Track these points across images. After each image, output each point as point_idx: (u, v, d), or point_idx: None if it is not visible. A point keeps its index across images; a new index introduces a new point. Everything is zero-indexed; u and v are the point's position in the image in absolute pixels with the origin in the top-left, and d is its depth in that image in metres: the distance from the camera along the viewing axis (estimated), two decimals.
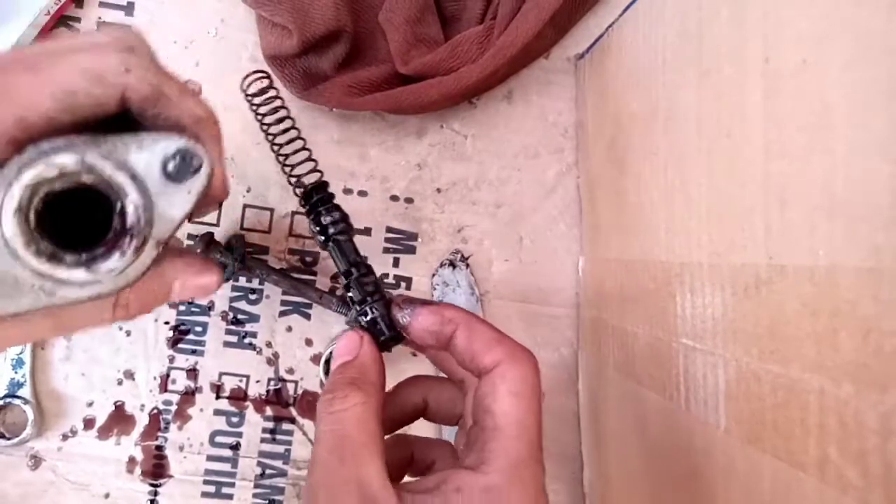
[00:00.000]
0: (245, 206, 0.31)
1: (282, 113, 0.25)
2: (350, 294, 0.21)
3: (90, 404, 0.30)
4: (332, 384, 0.18)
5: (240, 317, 0.31)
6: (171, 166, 0.15)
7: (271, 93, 0.25)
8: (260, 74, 0.25)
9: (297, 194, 0.24)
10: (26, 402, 0.29)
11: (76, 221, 0.14)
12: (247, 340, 0.31)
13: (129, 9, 0.30)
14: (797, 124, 0.15)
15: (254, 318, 0.31)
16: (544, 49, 0.32)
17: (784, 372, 0.16)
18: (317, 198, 0.23)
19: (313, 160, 0.25)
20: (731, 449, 0.18)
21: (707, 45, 0.19)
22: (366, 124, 0.32)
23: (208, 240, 0.29)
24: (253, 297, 0.31)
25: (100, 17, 0.30)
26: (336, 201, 0.23)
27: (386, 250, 0.32)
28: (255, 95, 0.25)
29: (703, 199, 0.20)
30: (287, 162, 0.25)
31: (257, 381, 0.31)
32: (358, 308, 0.21)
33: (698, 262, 0.20)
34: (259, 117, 0.25)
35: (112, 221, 0.14)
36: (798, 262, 0.15)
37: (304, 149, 0.25)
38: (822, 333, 0.14)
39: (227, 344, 0.31)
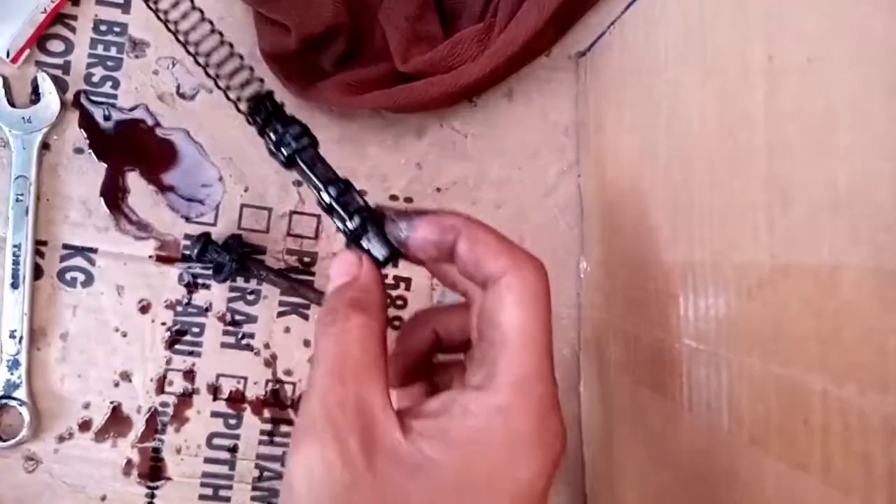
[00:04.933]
0: (242, 206, 0.31)
1: (195, 16, 0.21)
2: (335, 218, 0.19)
3: (86, 406, 0.30)
4: (332, 305, 0.17)
5: (237, 318, 0.31)
6: None
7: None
8: None
9: (240, 110, 0.20)
10: (22, 403, 0.29)
11: None
12: (244, 342, 0.31)
13: (125, 6, 0.30)
14: (800, 123, 0.15)
15: (251, 319, 0.31)
16: (545, 47, 0.31)
17: (787, 373, 0.15)
18: (267, 111, 0.19)
19: (248, 67, 0.20)
20: (734, 450, 0.18)
21: (709, 43, 0.19)
22: (365, 123, 0.31)
23: (205, 240, 0.29)
24: (251, 297, 0.31)
25: (96, 15, 0.30)
26: (290, 114, 0.19)
27: None
28: (163, 4, 0.21)
29: (705, 199, 0.20)
30: (218, 73, 0.20)
31: (255, 383, 0.31)
32: (349, 230, 0.18)
33: (701, 261, 0.20)
34: (172, 26, 0.21)
35: None
36: (801, 261, 0.15)
37: (232, 55, 0.20)
38: (825, 333, 0.14)
39: (224, 345, 0.31)
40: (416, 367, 0.20)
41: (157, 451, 0.30)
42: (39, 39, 0.29)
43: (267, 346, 0.31)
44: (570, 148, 0.32)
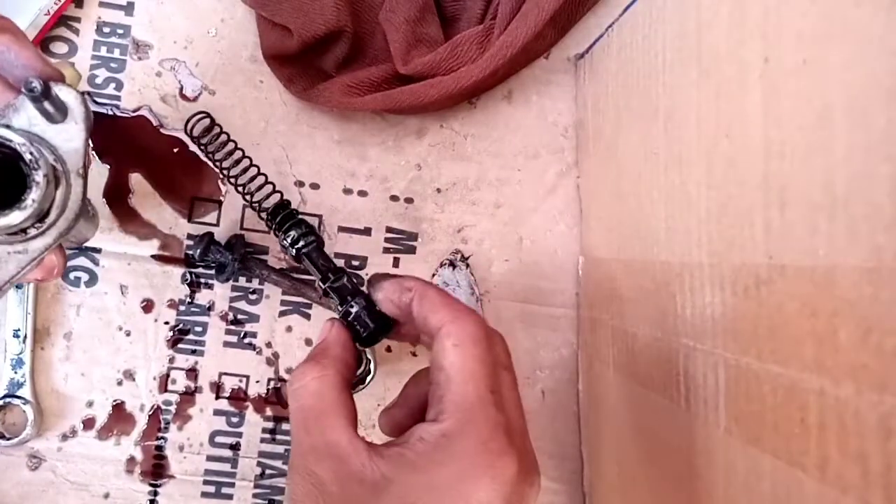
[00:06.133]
0: (245, 206, 0.31)
1: (230, 146, 0.26)
2: (331, 299, 0.23)
3: (90, 404, 0.30)
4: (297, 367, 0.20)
5: (240, 317, 0.31)
6: (49, 108, 0.18)
7: (216, 130, 0.26)
8: (200, 115, 0.26)
9: (262, 218, 0.25)
10: (26, 402, 0.29)
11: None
12: (247, 340, 0.31)
13: (128, 9, 0.30)
14: (797, 124, 0.15)
15: (254, 318, 0.31)
16: (544, 49, 0.32)
17: (784, 372, 0.16)
18: (281, 216, 0.24)
19: (270, 183, 0.27)
20: (731, 449, 0.18)
21: (707, 44, 0.19)
22: (366, 124, 0.32)
23: (208, 240, 0.29)
24: (253, 297, 0.31)
25: (100, 17, 0.30)
26: (300, 216, 0.25)
27: (386, 250, 0.32)
28: (201, 136, 0.26)
29: (702, 199, 0.20)
30: (245, 191, 0.26)
31: (257, 381, 0.31)
32: (340, 310, 0.22)
33: (698, 261, 0.20)
34: (210, 156, 0.26)
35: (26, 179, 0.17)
36: (798, 261, 0.15)
37: (259, 174, 0.26)
38: (822, 333, 0.14)
39: (227, 344, 0.31)
40: (418, 417, 0.21)
41: (159, 448, 0.30)
42: (43, 41, 0.30)
43: (269, 344, 0.31)
44: (569, 149, 0.32)
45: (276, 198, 0.26)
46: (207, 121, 0.26)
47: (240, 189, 0.26)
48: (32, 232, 0.18)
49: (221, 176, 0.26)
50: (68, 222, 0.18)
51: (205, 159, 0.27)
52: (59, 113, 0.18)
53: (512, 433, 0.17)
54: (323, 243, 0.24)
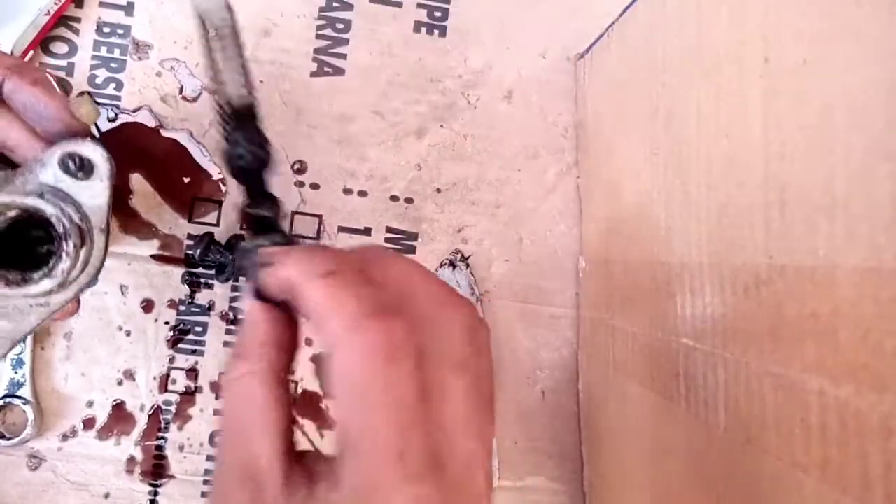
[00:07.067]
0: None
1: (235, 35, 0.22)
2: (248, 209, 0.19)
3: (90, 404, 0.30)
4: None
5: (240, 317, 0.31)
6: (73, 167, 0.18)
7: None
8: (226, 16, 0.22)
9: (221, 115, 0.20)
10: (26, 402, 0.29)
11: (23, 248, 0.18)
12: None
13: (128, 9, 0.30)
14: (797, 124, 0.15)
15: None
16: None
17: (784, 372, 0.16)
18: (236, 122, 0.19)
19: (248, 81, 0.20)
20: (731, 449, 0.18)
21: (707, 44, 0.19)
22: (365, 124, 0.32)
23: (209, 240, 0.29)
24: None
25: (100, 17, 0.30)
26: (263, 129, 0.19)
27: None
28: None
29: (702, 199, 0.20)
30: (219, 79, 0.20)
31: None
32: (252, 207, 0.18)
33: (698, 261, 0.20)
34: (207, 39, 0.22)
35: (53, 237, 0.18)
36: (798, 261, 0.15)
37: (243, 71, 0.20)
38: (822, 333, 0.14)
39: (227, 344, 0.31)
40: None
41: (160, 448, 0.30)
42: (43, 41, 0.30)
43: None
44: (569, 149, 0.32)
45: (247, 100, 0.20)
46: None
47: (212, 75, 0.20)
48: (56, 289, 0.18)
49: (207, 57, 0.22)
50: (90, 277, 0.19)
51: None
52: (85, 171, 0.19)
53: (436, 477, 0.13)
54: (271, 168, 0.19)
